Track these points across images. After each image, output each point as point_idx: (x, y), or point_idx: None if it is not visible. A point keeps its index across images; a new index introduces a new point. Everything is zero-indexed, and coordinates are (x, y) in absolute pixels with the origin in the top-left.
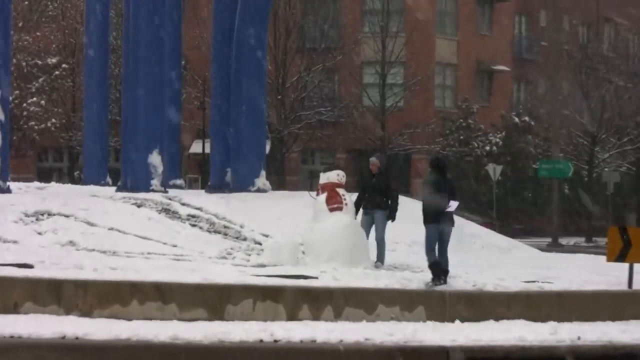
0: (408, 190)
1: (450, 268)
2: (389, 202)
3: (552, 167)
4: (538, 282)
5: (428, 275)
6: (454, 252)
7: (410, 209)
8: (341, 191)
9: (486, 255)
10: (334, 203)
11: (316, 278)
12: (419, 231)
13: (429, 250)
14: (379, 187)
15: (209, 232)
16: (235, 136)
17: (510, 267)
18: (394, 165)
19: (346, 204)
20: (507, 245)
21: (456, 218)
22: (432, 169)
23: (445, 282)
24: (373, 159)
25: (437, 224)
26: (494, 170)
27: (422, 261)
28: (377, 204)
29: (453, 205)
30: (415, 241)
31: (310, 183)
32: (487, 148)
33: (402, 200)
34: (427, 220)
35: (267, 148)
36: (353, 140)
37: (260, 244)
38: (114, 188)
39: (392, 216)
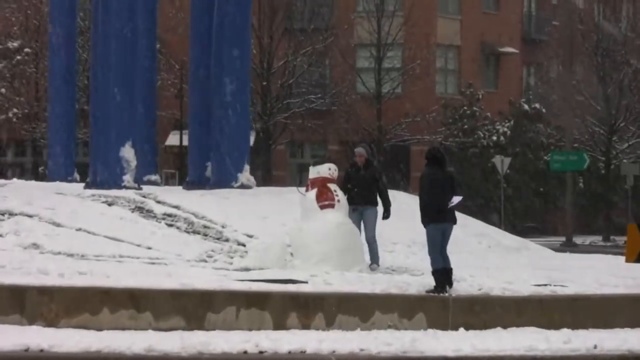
0: (407, 185)
1: (453, 270)
2: (380, 197)
3: (565, 159)
4: (550, 285)
5: (429, 279)
6: (458, 253)
7: (409, 206)
8: (333, 187)
9: (493, 256)
10: (325, 200)
11: (306, 282)
12: (419, 230)
13: (434, 254)
14: (368, 180)
15: (187, 232)
16: (215, 127)
17: (519, 269)
18: (391, 158)
19: (338, 201)
20: (516, 245)
21: (460, 215)
22: (428, 161)
23: (450, 287)
24: (359, 149)
25: (437, 223)
26: (502, 163)
27: (422, 263)
28: (366, 200)
29: (455, 200)
30: (415, 241)
31: (299, 178)
32: (494, 138)
33: (401, 196)
34: (426, 220)
35: (251, 140)
36: (346, 131)
37: (243, 245)
38: (82, 185)
39: (387, 213)
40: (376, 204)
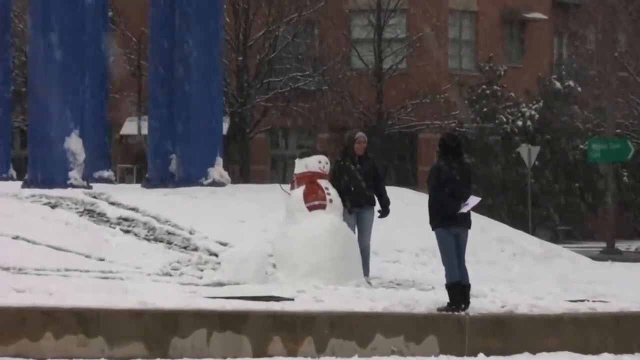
0: (414, 180)
1: (471, 283)
2: (377, 194)
3: (606, 148)
4: (588, 301)
5: (441, 295)
6: (476, 263)
7: (416, 206)
8: (324, 183)
9: (519, 266)
10: (314, 199)
11: (292, 300)
12: (429, 235)
13: (449, 264)
14: (368, 175)
15: (148, 240)
16: (181, 112)
17: (550, 281)
18: (395, 148)
19: (331, 201)
20: (546, 252)
21: (477, 216)
22: (441, 151)
23: (467, 307)
24: (361, 135)
25: (447, 227)
26: (529, 153)
27: (433, 275)
28: (365, 199)
29: (472, 202)
30: (424, 249)
31: (282, 173)
32: (520, 123)
33: (407, 194)
34: (435, 223)
35: (225, 127)
36: (339, 115)
37: (216, 255)
38: (20, 183)
39: (385, 211)
40: (374, 203)
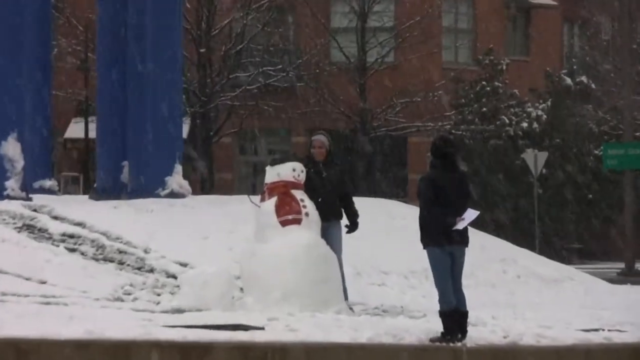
0: (403, 190)
1: (469, 309)
2: (344, 205)
3: (623, 154)
4: (603, 330)
5: (435, 323)
6: (474, 286)
7: (406, 220)
8: (299, 194)
9: (524, 289)
10: (288, 213)
11: (262, 329)
12: (419, 255)
13: (443, 287)
14: (333, 183)
15: (96, 260)
16: (134, 113)
17: (560, 307)
18: (380, 153)
19: (307, 214)
20: (556, 274)
21: (475, 232)
22: (435, 156)
23: (464, 337)
24: (319, 137)
25: (441, 245)
26: (535, 159)
27: (424, 300)
28: (331, 211)
29: (469, 216)
30: (414, 270)
31: (252, 182)
32: (525, 125)
33: (395, 207)
34: (427, 240)
35: (185, 130)
36: (317, 116)
37: (175, 277)
38: None
39: (354, 226)
40: (341, 216)
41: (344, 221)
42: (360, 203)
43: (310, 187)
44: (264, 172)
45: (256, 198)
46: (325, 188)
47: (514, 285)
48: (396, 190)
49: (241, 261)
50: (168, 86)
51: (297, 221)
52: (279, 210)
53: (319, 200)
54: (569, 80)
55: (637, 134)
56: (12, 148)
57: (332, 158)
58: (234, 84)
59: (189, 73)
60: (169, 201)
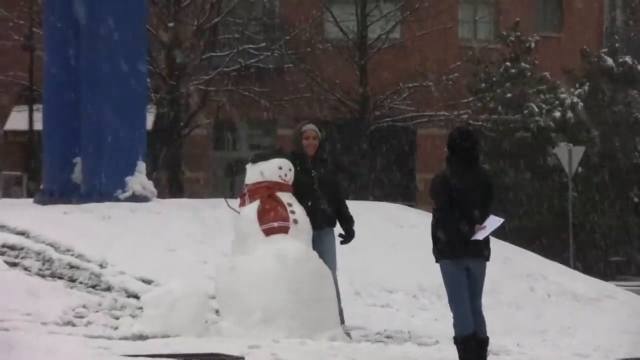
0: (411, 192)
1: (489, 335)
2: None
3: None
4: None
5: (448, 351)
6: (495, 307)
7: (415, 229)
8: (286, 198)
9: (555, 311)
10: (272, 220)
11: (242, 359)
12: (431, 270)
13: (459, 309)
14: (327, 183)
15: (43, 276)
16: (88, 100)
17: (598, 332)
18: (384, 148)
19: (295, 221)
20: (594, 292)
21: (497, 243)
22: (452, 152)
23: None
24: (312, 127)
25: (457, 258)
26: (570, 155)
27: (437, 324)
28: (324, 218)
29: (491, 224)
30: (424, 288)
31: (229, 183)
32: (557, 114)
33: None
34: (440, 253)
35: (150, 120)
36: (308, 104)
37: (137, 297)
38: None
39: (349, 235)
40: (335, 223)
41: (338, 229)
42: (360, 207)
43: (298, 189)
44: (244, 170)
45: (235, 202)
46: (316, 190)
47: (543, 305)
48: (403, 192)
49: (216, 277)
50: (129, 67)
51: (284, 229)
52: (262, 216)
53: (309, 204)
54: (610, 61)
55: None
56: None
57: (322, 154)
58: (208, 66)
59: (154, 52)
60: (130, 205)
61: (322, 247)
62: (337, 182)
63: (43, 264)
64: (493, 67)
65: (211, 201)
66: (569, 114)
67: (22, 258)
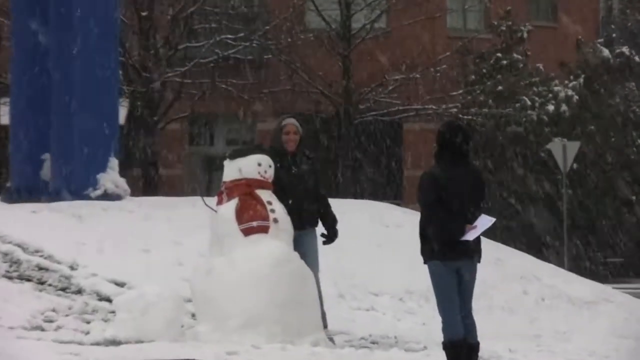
0: (398, 190)
1: (480, 341)
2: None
3: None
4: None
5: (436, 357)
6: (486, 311)
7: (402, 229)
8: (266, 195)
9: (549, 315)
10: (251, 219)
11: None
12: (419, 271)
13: (448, 313)
14: (308, 181)
15: (10, 278)
16: (57, 93)
17: (594, 337)
18: (369, 144)
19: (276, 220)
20: (589, 295)
21: (488, 243)
22: (440, 148)
23: None
24: (292, 121)
25: (446, 260)
26: (564, 151)
27: (425, 329)
28: (306, 217)
29: (482, 224)
30: (411, 290)
31: (206, 180)
32: (550, 108)
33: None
34: (428, 254)
35: (122, 114)
36: (289, 97)
37: (109, 300)
38: None
39: (332, 235)
40: (317, 223)
41: (321, 229)
42: (343, 206)
43: (278, 187)
44: (221, 167)
45: (212, 200)
46: (296, 187)
47: (536, 309)
48: (388, 190)
49: (193, 280)
50: (100, 59)
51: (264, 229)
52: (241, 215)
53: (290, 202)
54: (606, 52)
55: None
56: None
57: (303, 149)
58: (184, 57)
59: (127, 43)
60: (102, 204)
61: (303, 247)
62: (319, 180)
63: (10, 266)
64: (483, 59)
65: (186, 199)
66: (563, 107)
67: None
